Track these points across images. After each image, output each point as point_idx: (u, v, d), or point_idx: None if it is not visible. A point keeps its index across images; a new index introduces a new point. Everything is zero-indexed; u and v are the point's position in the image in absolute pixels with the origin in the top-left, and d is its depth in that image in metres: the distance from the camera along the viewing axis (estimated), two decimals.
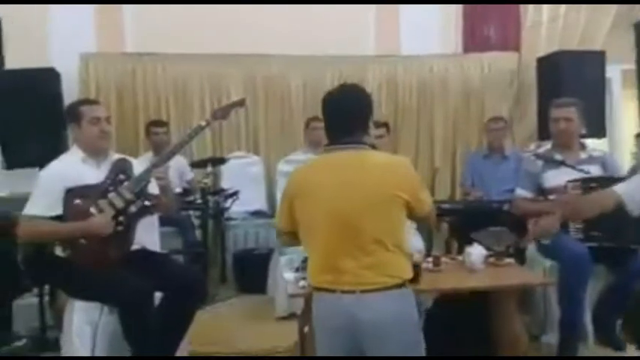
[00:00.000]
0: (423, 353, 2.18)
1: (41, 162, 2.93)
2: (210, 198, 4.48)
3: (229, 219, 4.85)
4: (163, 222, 4.47)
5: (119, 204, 2.71)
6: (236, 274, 4.56)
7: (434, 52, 5.70)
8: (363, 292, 2.03)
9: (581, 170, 3.35)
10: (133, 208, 2.74)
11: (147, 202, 2.77)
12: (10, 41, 4.48)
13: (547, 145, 3.70)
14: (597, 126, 4.92)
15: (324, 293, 2.12)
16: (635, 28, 5.17)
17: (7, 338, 3.39)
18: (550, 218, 2.80)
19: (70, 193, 2.69)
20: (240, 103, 3.13)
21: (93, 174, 2.79)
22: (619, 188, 2.36)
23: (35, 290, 3.39)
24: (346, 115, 2.14)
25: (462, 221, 4.42)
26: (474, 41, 5.82)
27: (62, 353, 2.84)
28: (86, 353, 2.67)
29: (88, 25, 5.26)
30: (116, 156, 2.91)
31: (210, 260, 4.79)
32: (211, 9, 5.23)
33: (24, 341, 3.36)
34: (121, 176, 2.78)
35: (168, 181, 2.88)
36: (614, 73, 5.74)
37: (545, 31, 5.70)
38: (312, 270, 2.18)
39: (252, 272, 4.45)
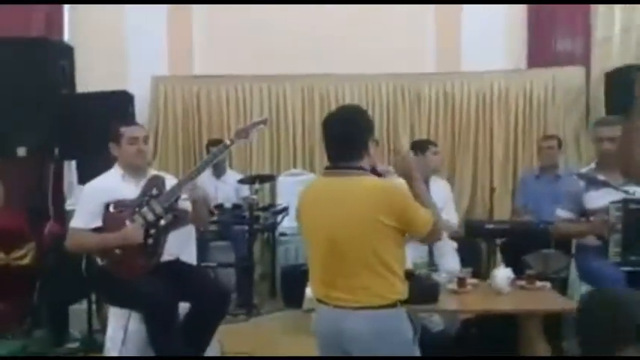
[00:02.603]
0: None
1: None
2: (261, 214, 4.66)
3: (283, 234, 5.00)
4: (218, 236, 4.77)
5: (150, 217, 2.92)
6: (283, 288, 4.68)
7: (496, 67, 5.59)
8: (353, 309, 2.10)
9: (625, 192, 3.17)
10: (162, 222, 2.94)
11: (175, 215, 2.96)
12: (83, 65, 4.89)
13: (591, 165, 3.53)
14: None
15: (322, 305, 2.21)
16: None
17: (64, 339, 3.72)
18: None
19: (109, 207, 2.95)
20: (263, 122, 3.27)
21: (131, 190, 3.02)
22: None
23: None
24: (342, 139, 2.18)
25: (512, 243, 4.30)
26: (539, 55, 5.64)
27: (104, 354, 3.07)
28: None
29: (160, 48, 5.66)
30: (152, 172, 3.13)
31: (261, 274, 4.97)
32: (271, 31, 5.46)
33: (76, 344, 3.67)
34: (154, 191, 2.98)
35: (199, 196, 3.04)
36: None
37: (617, 44, 5.42)
38: (312, 282, 2.29)
39: (299, 287, 4.53)
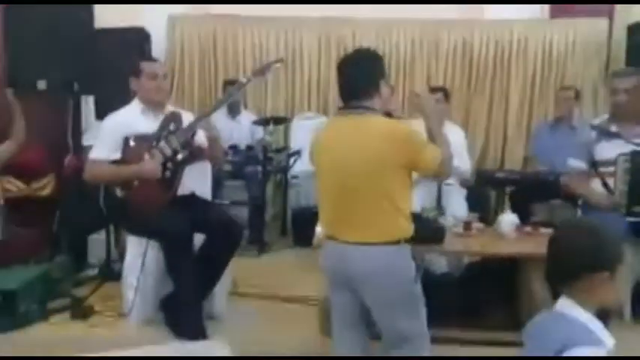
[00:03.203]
0: (418, 306, 2.29)
1: None
2: (274, 155, 4.75)
3: (294, 177, 5.10)
4: (232, 175, 4.87)
5: (167, 152, 3.01)
6: (294, 228, 4.81)
7: (519, 16, 5.50)
8: (360, 244, 2.19)
9: (637, 144, 3.19)
10: (179, 156, 3.03)
11: (191, 151, 3.04)
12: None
13: (604, 116, 3.54)
14: None
15: (330, 241, 2.30)
16: None
17: (83, 266, 3.90)
18: None
19: (128, 140, 3.04)
20: (279, 61, 3.32)
21: (149, 124, 3.10)
22: None
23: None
24: (353, 81, 2.24)
25: (521, 192, 4.35)
26: (562, 6, 5.53)
27: (121, 282, 3.23)
28: (133, 282, 3.04)
29: None
30: (170, 109, 3.19)
31: (273, 215, 5.10)
32: None
33: (95, 270, 3.84)
34: (172, 127, 3.06)
35: (214, 134, 3.11)
36: None
37: None
38: (321, 220, 2.39)
39: (309, 228, 4.64)
